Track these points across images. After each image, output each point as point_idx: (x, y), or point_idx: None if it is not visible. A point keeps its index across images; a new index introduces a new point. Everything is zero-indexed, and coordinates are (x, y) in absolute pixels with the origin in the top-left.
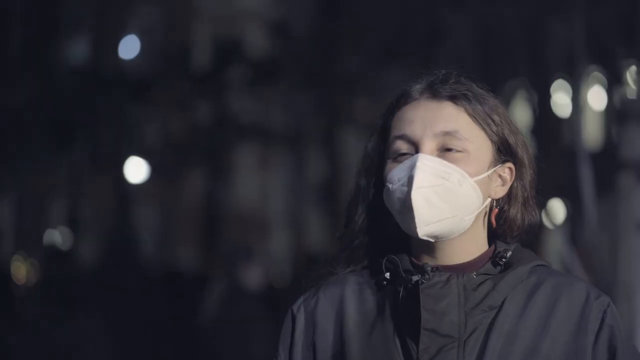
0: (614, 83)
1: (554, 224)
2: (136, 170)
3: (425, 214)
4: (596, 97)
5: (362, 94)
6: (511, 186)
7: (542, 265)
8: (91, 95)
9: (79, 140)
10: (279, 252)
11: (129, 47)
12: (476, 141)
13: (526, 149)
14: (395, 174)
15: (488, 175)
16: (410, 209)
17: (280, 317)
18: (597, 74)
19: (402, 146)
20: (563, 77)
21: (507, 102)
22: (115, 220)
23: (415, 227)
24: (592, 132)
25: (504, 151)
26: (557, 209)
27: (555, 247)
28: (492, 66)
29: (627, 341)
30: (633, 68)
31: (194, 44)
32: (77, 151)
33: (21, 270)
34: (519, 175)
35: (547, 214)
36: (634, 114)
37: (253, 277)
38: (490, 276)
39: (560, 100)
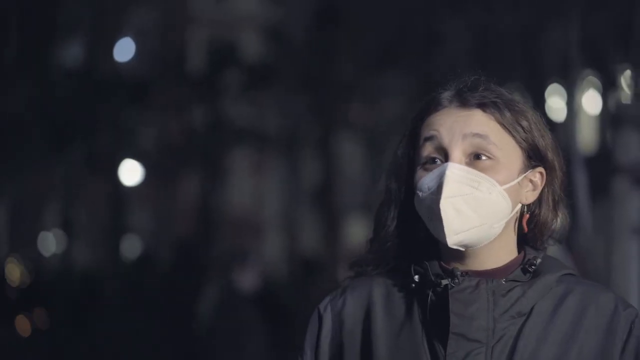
0: (608, 87)
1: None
2: (131, 173)
3: (454, 223)
4: (591, 102)
5: (357, 98)
6: (542, 190)
7: (570, 274)
8: (87, 98)
9: (74, 143)
10: (274, 255)
11: (125, 50)
12: (505, 148)
13: (557, 152)
14: (425, 182)
15: (518, 182)
16: (439, 218)
17: (275, 319)
18: (592, 79)
19: (431, 151)
20: (558, 82)
21: None
22: (109, 222)
23: (444, 237)
24: (586, 137)
25: (534, 157)
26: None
27: (550, 251)
28: (486, 70)
29: None
30: (627, 72)
31: (189, 47)
32: (73, 154)
33: (15, 272)
34: (549, 179)
35: None
36: (628, 118)
37: (248, 279)
38: (519, 283)
39: (555, 104)
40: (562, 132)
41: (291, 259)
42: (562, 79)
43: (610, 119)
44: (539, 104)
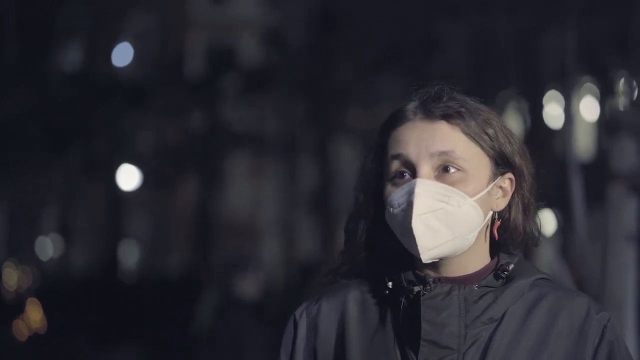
0: (606, 94)
1: (544, 235)
2: (129, 177)
3: (427, 240)
4: (588, 108)
5: (355, 103)
6: (512, 196)
7: (544, 278)
8: (85, 103)
9: (72, 147)
10: (271, 260)
11: (123, 55)
12: (473, 159)
13: (524, 156)
14: (395, 198)
15: (488, 191)
16: (412, 236)
17: (273, 324)
18: (590, 85)
19: (399, 168)
20: (555, 88)
21: (499, 112)
22: (107, 227)
23: (418, 254)
24: (584, 143)
25: (502, 163)
26: (548, 220)
27: (546, 258)
28: (484, 77)
29: (627, 357)
30: (624, 79)
31: (188, 52)
32: (70, 158)
33: (12, 276)
34: (518, 184)
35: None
36: (625, 125)
37: (248, 286)
38: (491, 289)
39: (553, 111)
40: (560, 138)
41: (289, 264)
42: (559, 86)
43: (607, 125)
44: (537, 110)
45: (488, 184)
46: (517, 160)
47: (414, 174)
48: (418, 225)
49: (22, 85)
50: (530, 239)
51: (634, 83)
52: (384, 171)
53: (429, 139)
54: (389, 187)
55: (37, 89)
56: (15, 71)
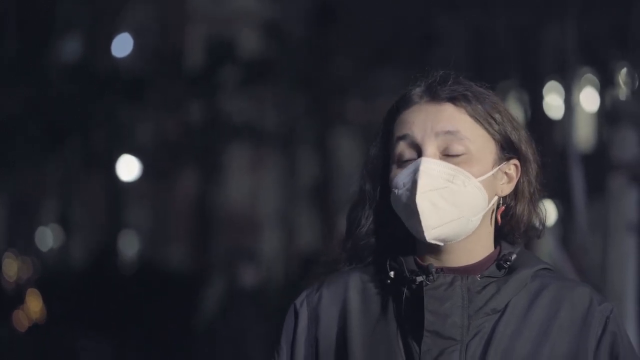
0: (606, 85)
1: (545, 226)
2: (129, 169)
3: (431, 218)
4: (589, 99)
5: (355, 95)
6: (517, 182)
7: (546, 269)
8: (84, 94)
9: (72, 139)
10: (271, 252)
11: (122, 46)
12: (478, 141)
13: (529, 144)
14: (400, 179)
15: (493, 174)
16: (416, 214)
17: (273, 317)
18: (590, 76)
19: (404, 149)
20: (556, 79)
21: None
22: (107, 218)
23: (422, 232)
24: (584, 134)
25: (507, 149)
26: (549, 210)
27: (546, 249)
28: (484, 68)
29: (629, 348)
30: (624, 70)
31: (187, 44)
32: (70, 149)
33: (12, 267)
34: (524, 171)
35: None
36: (625, 115)
37: (249, 277)
38: (494, 279)
39: (553, 101)
40: (560, 129)
41: (288, 257)
42: (559, 77)
43: (607, 115)
44: (537, 101)
45: (493, 167)
46: (523, 147)
47: (419, 155)
48: (423, 202)
49: (21, 76)
50: (533, 229)
51: (635, 74)
52: (390, 155)
53: (434, 120)
54: (394, 169)
55: (36, 80)
56: (15, 64)
